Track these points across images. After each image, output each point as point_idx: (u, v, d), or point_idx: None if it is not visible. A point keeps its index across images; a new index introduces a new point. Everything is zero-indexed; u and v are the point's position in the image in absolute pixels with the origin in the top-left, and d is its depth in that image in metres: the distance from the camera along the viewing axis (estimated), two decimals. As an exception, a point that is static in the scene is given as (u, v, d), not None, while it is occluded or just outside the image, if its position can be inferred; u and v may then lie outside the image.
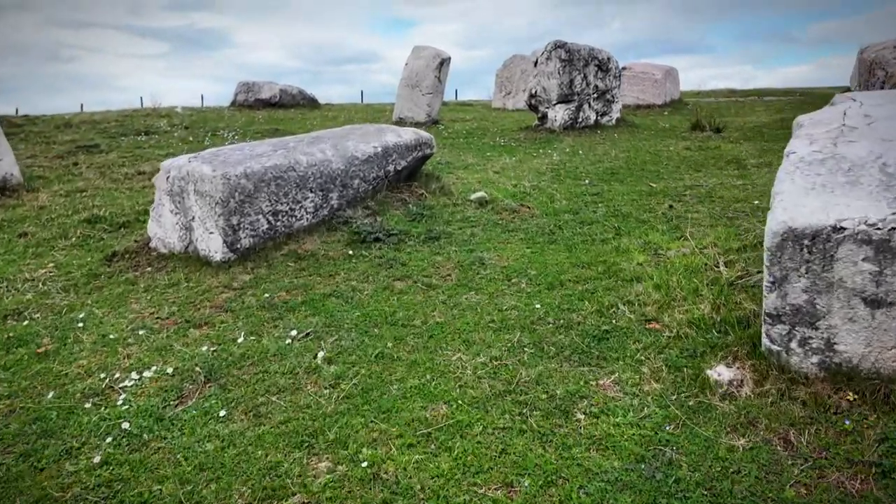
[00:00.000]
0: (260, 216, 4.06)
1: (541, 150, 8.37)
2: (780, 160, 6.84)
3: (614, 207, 5.00)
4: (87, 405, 2.51)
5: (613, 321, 2.93)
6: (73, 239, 4.78)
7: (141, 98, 34.15)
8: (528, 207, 5.00)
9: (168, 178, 4.21)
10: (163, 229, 4.32)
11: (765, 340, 2.28)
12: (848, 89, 16.02)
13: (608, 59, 10.56)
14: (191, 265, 4.03)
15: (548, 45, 10.08)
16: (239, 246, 3.96)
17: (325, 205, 4.49)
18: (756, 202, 4.94)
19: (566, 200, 5.29)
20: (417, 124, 12.86)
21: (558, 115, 9.97)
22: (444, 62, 12.70)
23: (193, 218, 4.06)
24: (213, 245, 3.95)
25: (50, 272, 4.12)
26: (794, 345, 2.18)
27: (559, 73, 9.86)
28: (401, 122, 13.14)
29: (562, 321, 2.97)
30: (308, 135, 5.07)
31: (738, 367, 2.33)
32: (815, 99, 15.24)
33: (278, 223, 4.18)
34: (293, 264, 3.88)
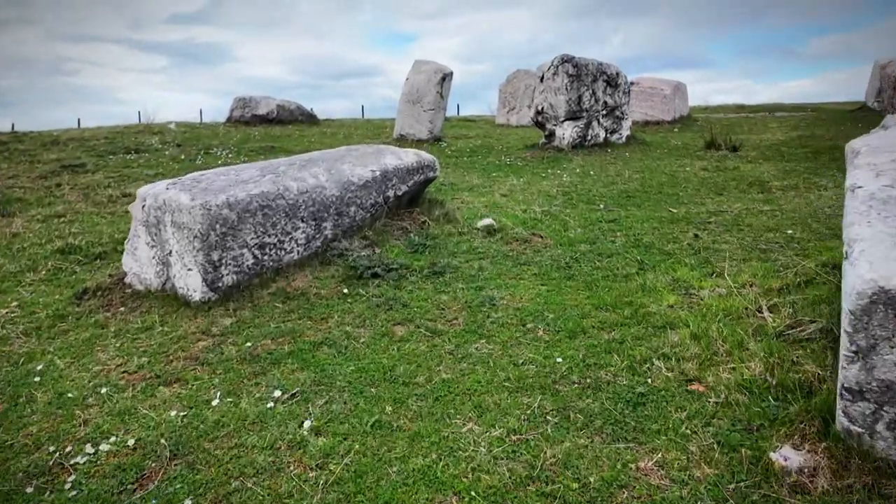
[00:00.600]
0: (245, 250, 3.71)
1: (549, 171, 8.05)
2: (805, 183, 6.51)
3: (634, 236, 4.65)
4: (29, 489, 2.14)
5: (648, 380, 2.56)
6: (43, 272, 4.43)
7: (139, 112, 34.06)
8: (541, 237, 4.66)
9: (144, 206, 3.87)
10: (139, 264, 3.98)
11: (841, 418, 1.92)
12: (864, 105, 15.75)
13: (617, 73, 10.30)
14: (168, 305, 3.68)
15: (554, 59, 9.81)
16: (220, 284, 3.60)
17: (318, 235, 4.15)
18: (789, 231, 4.59)
19: (581, 228, 4.94)
20: (419, 141, 12.59)
21: (566, 132, 9.67)
22: (445, 77, 12.46)
23: (171, 252, 3.72)
24: (191, 283, 3.60)
25: (12, 312, 3.76)
26: (881, 427, 1.82)
27: (567, 88, 9.58)
28: (401, 140, 12.88)
29: (588, 380, 2.60)
30: (300, 157, 4.74)
31: (808, 451, 1.96)
32: (829, 115, 14.99)
33: (265, 257, 3.83)
34: (281, 305, 3.52)
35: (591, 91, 9.81)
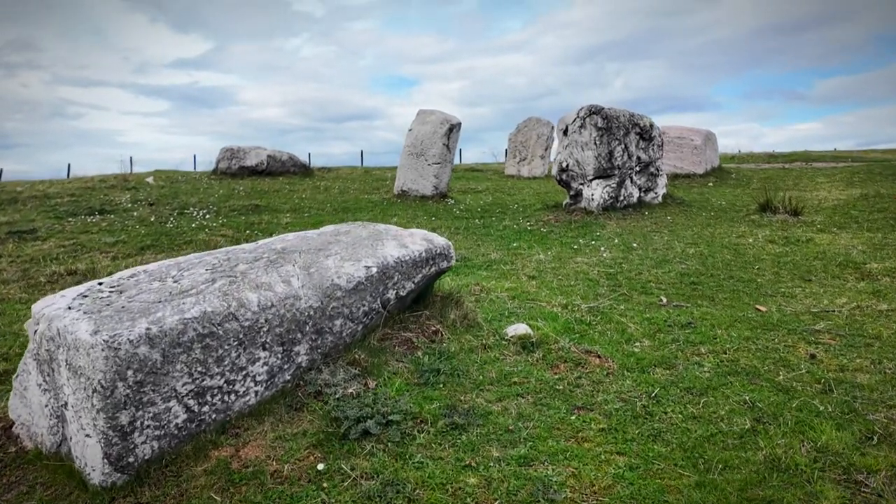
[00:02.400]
0: (173, 402, 2.60)
1: (581, 241, 7.01)
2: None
3: (726, 355, 3.53)
4: None
5: None
6: None
7: (131, 158, 33.64)
8: (598, 355, 3.54)
9: (36, 332, 2.79)
10: (28, 410, 2.87)
11: None
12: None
13: (651, 125, 9.41)
14: (60, 483, 2.56)
15: (580, 110, 8.94)
16: (132, 459, 2.48)
17: (286, 366, 3.04)
18: (942, 349, 3.47)
19: (648, 339, 3.83)
20: (423, 198, 11.64)
21: (596, 192, 8.69)
22: (453, 128, 11.64)
23: (66, 404, 2.61)
24: (90, 456, 2.48)
25: None
26: None
27: (596, 143, 8.66)
28: (403, 195, 11.95)
29: None
30: (272, 243, 3.69)
31: None
32: (881, 168, 14.01)
33: (205, 409, 2.72)
34: (219, 498, 2.37)
35: (622, 145, 8.89)
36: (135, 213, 10.58)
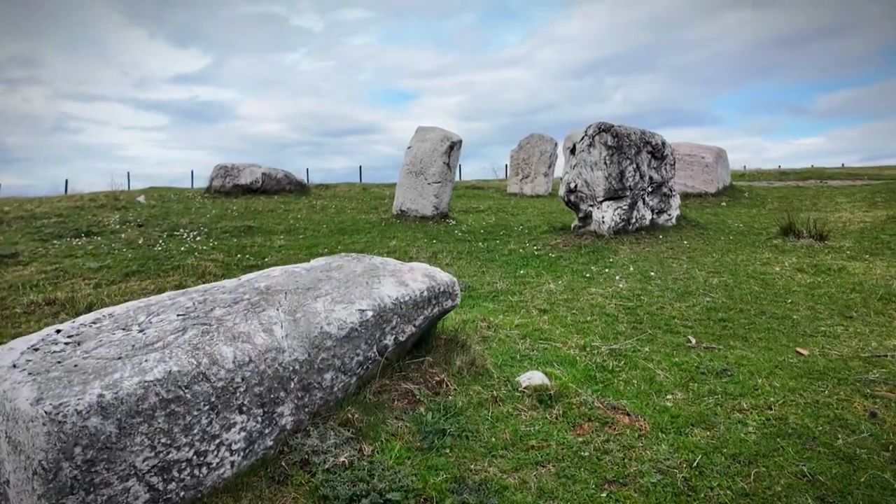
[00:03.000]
0: (132, 481, 2.21)
1: (593, 268, 6.64)
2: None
3: (770, 411, 3.14)
4: None
5: None
6: None
7: (128, 174, 33.51)
8: (626, 412, 3.15)
9: (-26, 393, 2.41)
10: (-36, 483, 2.48)
11: None
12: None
13: (663, 143, 9.09)
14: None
15: (589, 128, 8.62)
16: (77, 556, 2.08)
17: (267, 430, 2.66)
18: None
19: (680, 390, 3.44)
20: (423, 218, 11.29)
21: (607, 215, 8.34)
22: (454, 146, 11.35)
23: (8, 482, 2.23)
24: (27, 550, 2.09)
25: None
26: None
27: (606, 162, 8.32)
28: (402, 216, 11.61)
29: None
30: (253, 283, 3.32)
31: None
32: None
33: (172, 485, 2.33)
34: None
35: (634, 165, 8.56)
36: (122, 235, 10.24)
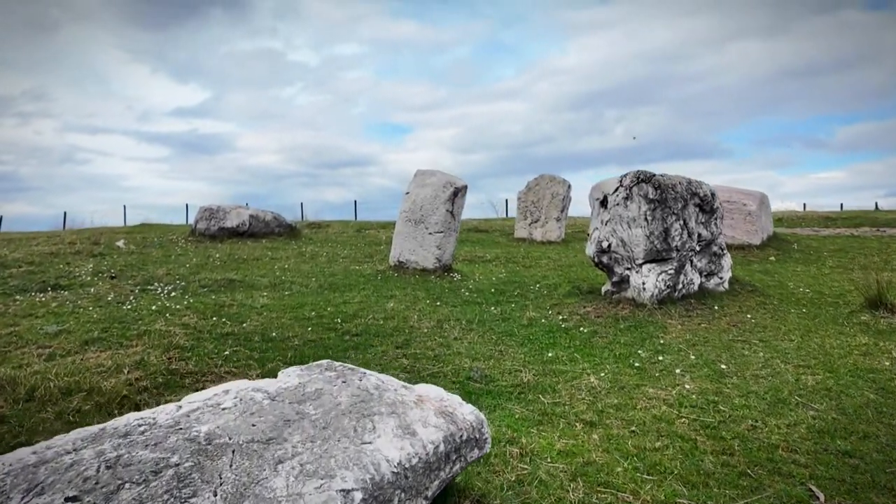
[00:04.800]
0: None
1: (641, 352, 5.57)
2: None
3: None
4: None
5: None
6: None
7: (124, 207, 32.99)
8: None
9: None
10: None
11: None
12: None
13: (712, 194, 8.09)
14: None
15: (624, 178, 7.64)
16: None
17: None
18: None
19: None
20: (424, 271, 10.27)
21: (648, 280, 7.29)
22: (458, 192, 10.41)
23: None
24: None
25: None
26: None
27: (647, 219, 7.31)
28: (400, 267, 10.59)
29: None
30: (192, 427, 2.29)
31: None
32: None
33: None
34: None
35: (681, 221, 7.54)
36: (92, 290, 9.27)
